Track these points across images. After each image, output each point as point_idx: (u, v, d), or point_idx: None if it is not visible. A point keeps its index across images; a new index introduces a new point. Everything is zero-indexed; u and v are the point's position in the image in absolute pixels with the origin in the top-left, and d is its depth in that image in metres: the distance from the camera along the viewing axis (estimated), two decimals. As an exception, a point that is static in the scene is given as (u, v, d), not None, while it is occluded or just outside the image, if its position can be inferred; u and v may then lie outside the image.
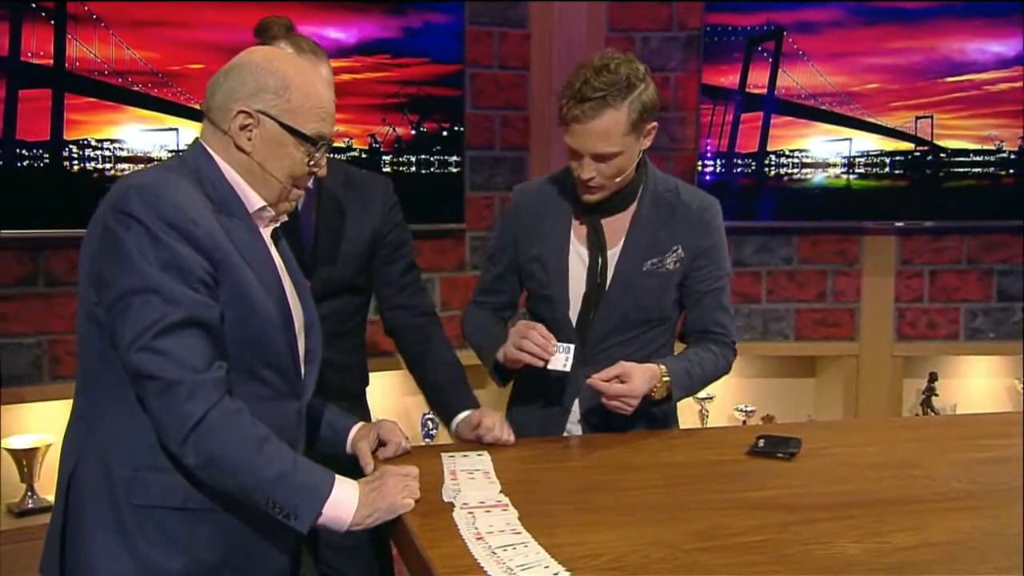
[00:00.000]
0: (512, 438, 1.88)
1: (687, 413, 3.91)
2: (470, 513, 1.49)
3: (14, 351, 2.94)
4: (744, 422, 3.83)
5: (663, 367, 1.93)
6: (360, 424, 1.78)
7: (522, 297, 2.17)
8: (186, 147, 1.55)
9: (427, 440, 3.55)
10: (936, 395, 3.88)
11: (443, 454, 1.78)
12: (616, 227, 1.99)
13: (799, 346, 3.86)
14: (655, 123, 1.89)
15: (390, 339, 2.18)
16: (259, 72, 1.46)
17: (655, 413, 2.04)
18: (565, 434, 2.03)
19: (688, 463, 1.83)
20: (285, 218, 1.56)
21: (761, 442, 1.90)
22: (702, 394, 3.78)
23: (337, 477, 1.46)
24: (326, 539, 2.03)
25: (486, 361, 2.03)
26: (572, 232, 2.00)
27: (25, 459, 2.96)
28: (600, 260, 1.96)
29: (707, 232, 2.02)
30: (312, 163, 1.51)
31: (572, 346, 1.89)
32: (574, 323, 2.00)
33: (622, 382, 1.86)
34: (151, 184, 1.40)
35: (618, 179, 1.91)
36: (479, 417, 1.88)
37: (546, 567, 1.30)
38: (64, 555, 1.46)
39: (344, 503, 1.44)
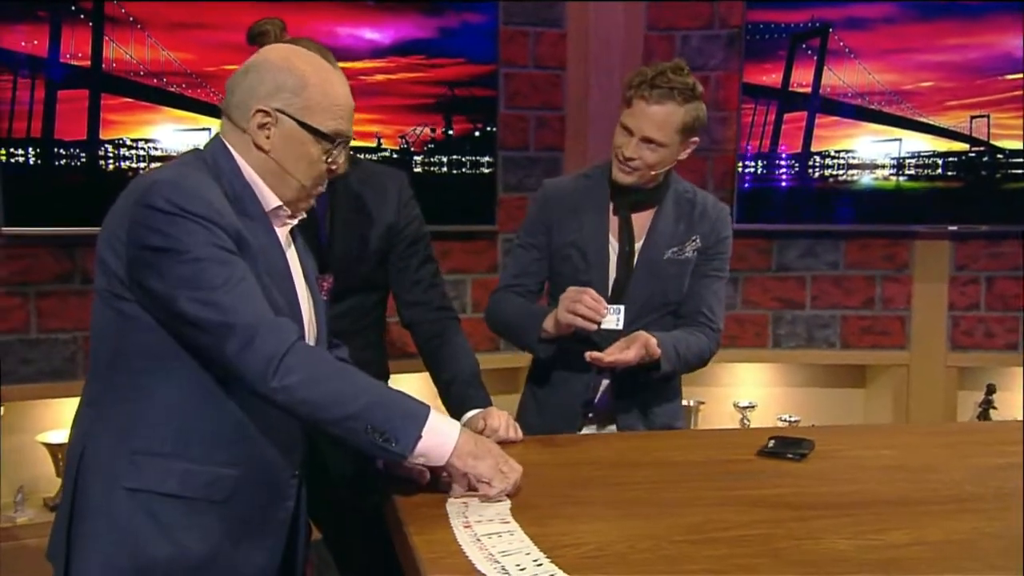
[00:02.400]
0: (519, 435, 1.95)
1: (728, 423, 3.92)
2: (463, 503, 1.55)
3: (51, 347, 3.11)
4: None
5: (653, 337, 2.08)
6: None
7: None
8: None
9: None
10: (994, 408, 3.82)
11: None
12: (641, 222, 2.22)
13: (846, 355, 3.85)
14: (697, 139, 2.13)
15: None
16: (277, 71, 1.51)
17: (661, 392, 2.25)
18: (590, 416, 2.21)
19: (693, 462, 1.87)
20: (303, 215, 1.62)
21: (771, 443, 1.93)
22: (743, 402, 3.85)
23: (433, 409, 1.51)
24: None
25: (528, 334, 2.15)
26: (608, 225, 2.21)
27: (60, 453, 3.10)
28: (630, 249, 2.18)
29: (722, 227, 2.27)
30: (330, 161, 1.56)
31: (622, 307, 2.11)
32: None
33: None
34: (173, 180, 1.44)
35: (653, 172, 2.12)
36: (484, 418, 1.94)
37: (527, 554, 1.36)
38: (70, 542, 1.50)
39: (445, 433, 1.50)
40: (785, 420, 3.87)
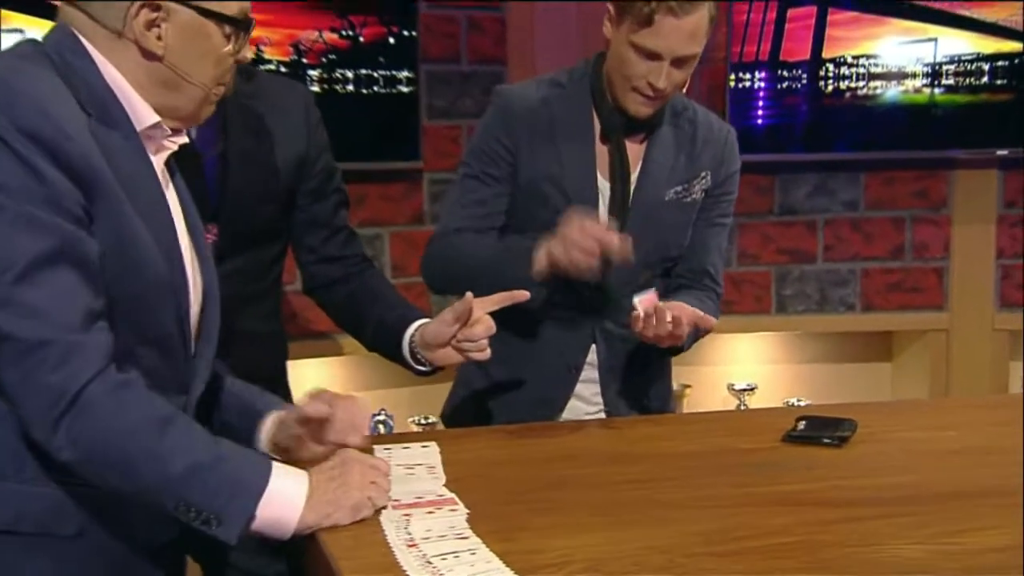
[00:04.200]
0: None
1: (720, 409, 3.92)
2: (405, 515, 1.50)
3: None
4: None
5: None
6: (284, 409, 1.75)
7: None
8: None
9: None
10: (1054, 380, 3.88)
11: (377, 446, 1.81)
12: (633, 153, 2.17)
13: (868, 319, 3.87)
14: None
15: (323, 312, 2.23)
16: None
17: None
18: (572, 401, 2.21)
19: (701, 452, 1.87)
20: (184, 139, 1.57)
21: (802, 425, 1.94)
22: (740, 384, 3.90)
23: (275, 464, 1.46)
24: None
25: (514, 268, 2.02)
26: (595, 155, 2.17)
27: None
28: (623, 188, 2.15)
29: (730, 157, 2.27)
30: (238, 52, 1.54)
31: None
32: None
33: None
34: (2, 78, 1.37)
35: (681, 91, 2.14)
36: (469, 306, 1.83)
37: (498, 577, 1.32)
38: None
39: (288, 498, 1.44)
40: (793, 405, 3.85)
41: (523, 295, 1.89)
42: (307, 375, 3.31)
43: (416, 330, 1.96)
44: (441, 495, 1.57)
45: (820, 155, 3.72)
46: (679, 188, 2.18)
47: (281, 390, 2.16)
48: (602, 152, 2.16)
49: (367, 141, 3.37)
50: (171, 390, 1.52)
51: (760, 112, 3.65)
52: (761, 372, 3.97)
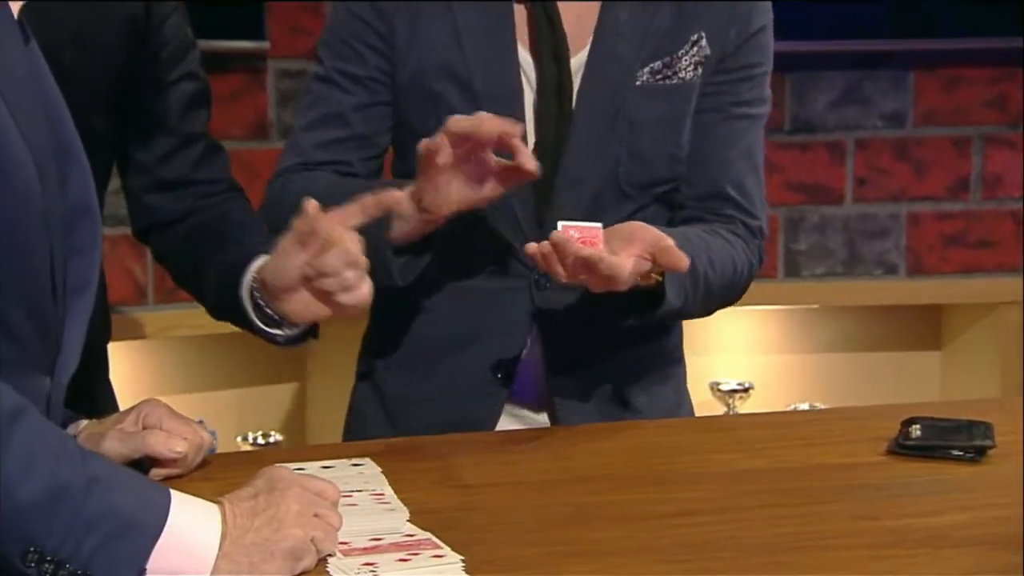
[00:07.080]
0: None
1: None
2: (368, 565, 1.46)
3: None
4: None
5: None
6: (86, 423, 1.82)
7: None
8: None
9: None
10: None
11: (285, 466, 1.77)
12: (580, 12, 2.15)
13: (916, 287, 3.94)
14: None
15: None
16: None
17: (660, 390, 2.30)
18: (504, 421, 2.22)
19: (776, 471, 1.87)
20: None
21: (916, 430, 1.94)
22: (730, 382, 4.01)
23: (175, 493, 1.42)
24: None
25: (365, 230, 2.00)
26: (513, 26, 2.16)
27: None
28: (558, 74, 2.13)
29: (752, 10, 2.19)
30: None
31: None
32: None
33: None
34: None
35: None
36: (313, 223, 1.78)
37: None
38: None
39: (192, 542, 1.42)
40: (804, 412, 3.91)
41: (398, 198, 1.83)
42: (130, 360, 3.32)
43: (258, 272, 1.91)
44: (412, 535, 1.54)
45: (851, 44, 3.80)
46: (658, 64, 2.15)
47: (100, 382, 2.26)
48: (524, 16, 2.16)
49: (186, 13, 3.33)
50: (34, 368, 1.52)
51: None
52: (760, 366, 4.05)
